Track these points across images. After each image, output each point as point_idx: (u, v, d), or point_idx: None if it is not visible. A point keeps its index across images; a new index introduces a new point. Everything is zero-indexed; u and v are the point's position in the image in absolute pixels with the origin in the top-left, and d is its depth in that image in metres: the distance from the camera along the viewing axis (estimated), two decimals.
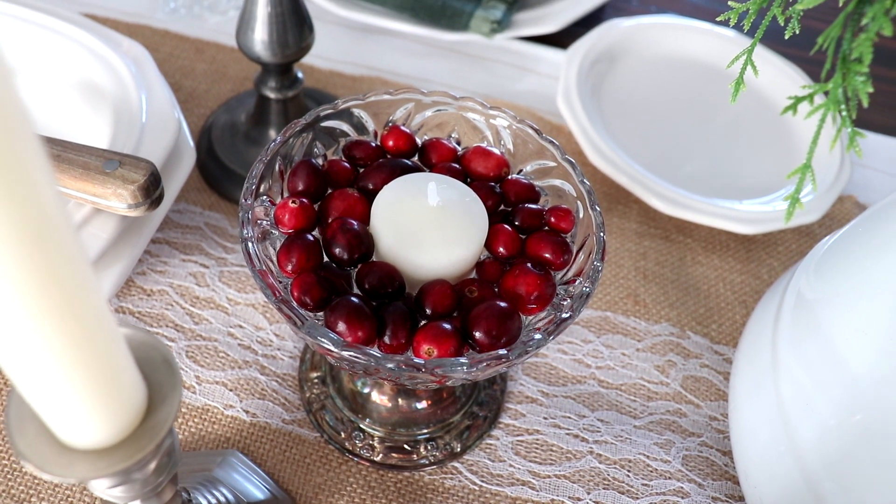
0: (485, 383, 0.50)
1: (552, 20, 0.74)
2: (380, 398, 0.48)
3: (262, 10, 0.52)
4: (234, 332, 0.51)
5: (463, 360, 0.33)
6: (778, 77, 0.70)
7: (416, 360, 0.32)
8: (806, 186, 0.62)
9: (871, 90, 0.29)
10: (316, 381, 0.49)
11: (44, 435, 0.26)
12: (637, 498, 0.47)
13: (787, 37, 0.34)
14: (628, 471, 0.48)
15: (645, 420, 0.51)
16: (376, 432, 0.47)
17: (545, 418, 0.50)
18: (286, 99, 0.58)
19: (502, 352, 0.33)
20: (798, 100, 0.32)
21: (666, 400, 0.52)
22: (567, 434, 0.49)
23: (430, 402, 0.48)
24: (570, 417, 0.50)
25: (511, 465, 0.48)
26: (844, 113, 0.30)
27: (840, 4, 0.32)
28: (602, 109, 0.67)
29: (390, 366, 0.32)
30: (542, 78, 0.72)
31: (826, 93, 0.32)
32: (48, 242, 0.18)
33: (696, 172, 0.64)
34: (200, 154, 0.61)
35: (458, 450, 0.47)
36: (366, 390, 0.48)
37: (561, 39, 0.76)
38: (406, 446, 0.47)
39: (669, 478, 0.48)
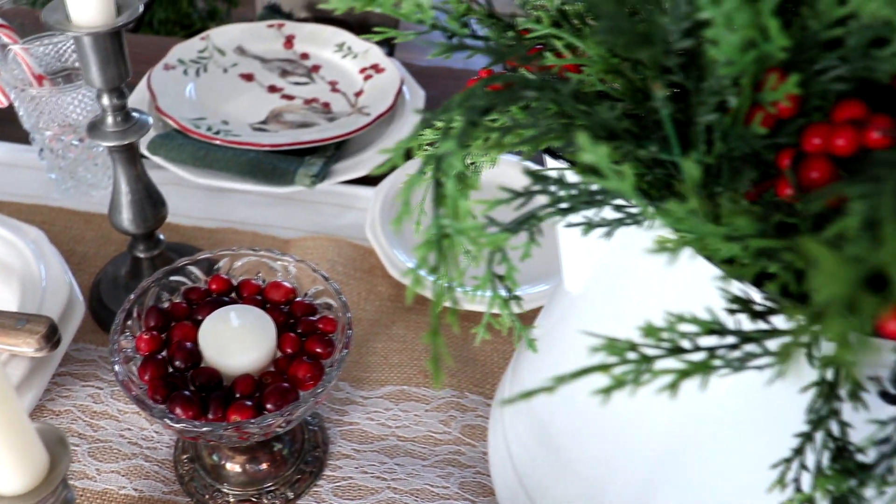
0: (309, 447, 0.69)
1: (364, 166, 0.96)
2: (231, 466, 0.66)
3: (125, 198, 0.72)
4: (125, 434, 0.70)
5: (253, 420, 0.52)
6: None
7: (221, 423, 0.52)
8: None
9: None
10: (186, 460, 0.67)
11: None
12: None
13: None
14: (416, 497, 0.67)
15: (431, 460, 0.70)
16: (231, 491, 0.66)
17: (356, 468, 0.69)
18: (153, 256, 0.78)
19: (276, 413, 0.52)
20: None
21: (448, 444, 0.71)
22: (371, 476, 0.68)
23: (268, 465, 0.66)
24: (374, 465, 0.69)
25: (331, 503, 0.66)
26: None
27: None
28: (403, 232, 0.88)
29: (205, 429, 0.51)
30: (359, 212, 0.94)
31: None
32: None
33: (478, 269, 0.85)
34: (92, 303, 0.80)
35: (292, 496, 0.66)
36: (221, 462, 0.66)
37: (379, 178, 0.98)
38: (253, 498, 0.65)
39: (448, 498, 0.67)
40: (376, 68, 1.10)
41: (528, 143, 0.28)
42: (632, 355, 0.27)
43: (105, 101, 0.66)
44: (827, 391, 0.36)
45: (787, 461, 0.38)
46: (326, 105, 1.06)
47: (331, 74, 1.12)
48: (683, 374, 0.28)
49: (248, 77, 1.10)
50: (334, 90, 1.09)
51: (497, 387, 0.76)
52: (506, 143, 0.28)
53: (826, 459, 0.37)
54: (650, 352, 0.28)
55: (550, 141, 0.28)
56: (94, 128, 0.68)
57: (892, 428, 0.36)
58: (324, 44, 1.16)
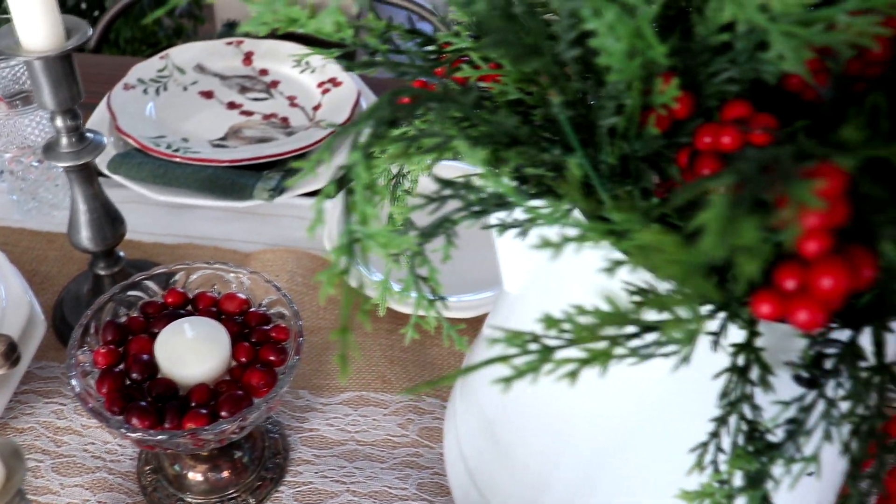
0: (270, 454, 0.70)
1: (321, 178, 0.97)
2: (193, 475, 0.68)
3: (83, 216, 0.74)
4: (88, 448, 0.71)
5: (207, 427, 0.54)
6: None
7: (174, 431, 0.53)
8: None
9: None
10: (149, 471, 0.69)
11: None
12: None
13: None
14: (375, 499, 0.69)
15: (390, 463, 0.72)
16: (194, 500, 0.67)
17: (316, 472, 0.70)
18: (114, 273, 0.80)
19: (229, 419, 0.54)
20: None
21: (406, 447, 0.73)
22: (331, 481, 0.70)
23: (229, 472, 0.68)
24: (334, 469, 0.71)
25: None
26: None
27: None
28: None
29: (161, 437, 0.53)
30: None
31: None
32: None
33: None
34: (55, 321, 0.81)
35: (254, 503, 0.67)
36: (183, 471, 0.68)
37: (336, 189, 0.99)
38: None
39: (406, 499, 0.69)
40: (334, 82, 1.12)
41: (433, 152, 0.30)
42: (533, 346, 0.29)
43: (59, 122, 0.67)
44: (738, 376, 0.39)
45: (704, 445, 0.40)
46: (285, 120, 1.08)
47: (289, 89, 1.14)
48: (584, 363, 0.30)
49: (208, 94, 1.12)
50: (293, 105, 1.11)
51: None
52: (412, 152, 0.30)
53: (741, 441, 0.39)
54: (551, 342, 0.30)
55: (453, 149, 0.30)
56: (50, 149, 0.69)
57: (796, 408, 0.38)
58: (282, 59, 1.18)
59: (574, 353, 0.31)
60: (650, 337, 0.35)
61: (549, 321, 0.30)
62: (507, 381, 0.28)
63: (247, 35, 1.50)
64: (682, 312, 0.33)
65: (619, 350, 0.32)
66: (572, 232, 0.28)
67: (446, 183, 0.32)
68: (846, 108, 0.34)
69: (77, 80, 0.65)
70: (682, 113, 0.34)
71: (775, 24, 0.30)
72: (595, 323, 0.30)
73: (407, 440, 0.74)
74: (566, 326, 0.30)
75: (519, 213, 0.35)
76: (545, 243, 0.26)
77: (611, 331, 0.32)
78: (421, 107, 0.30)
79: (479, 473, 0.59)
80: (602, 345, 0.31)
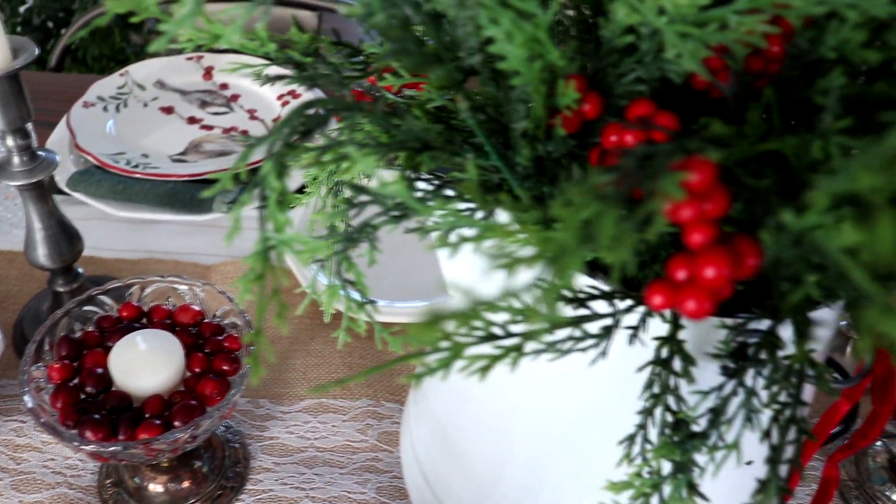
0: (230, 464, 0.71)
1: None
2: (154, 487, 0.68)
3: (38, 234, 0.74)
4: (48, 464, 0.71)
5: (159, 437, 0.54)
6: None
7: (127, 442, 0.54)
8: None
9: None
10: (109, 485, 0.69)
11: None
12: None
13: None
14: None
15: (349, 468, 0.73)
16: None
17: (276, 480, 0.71)
18: (73, 290, 0.80)
19: (181, 428, 0.55)
20: None
21: (366, 452, 0.74)
22: (291, 487, 0.71)
23: (190, 482, 0.69)
24: (294, 476, 0.72)
25: None
26: None
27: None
28: None
29: (113, 448, 0.54)
30: None
31: None
32: None
33: (389, 285, 0.88)
34: (16, 340, 0.82)
35: None
36: (143, 484, 0.68)
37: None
38: None
39: (365, 503, 0.70)
40: (293, 94, 1.13)
41: (340, 161, 0.31)
42: (444, 344, 0.30)
43: (10, 142, 0.68)
44: (662, 368, 0.40)
45: (632, 437, 0.41)
46: (245, 133, 1.09)
47: (249, 103, 1.15)
48: (495, 359, 0.31)
49: (168, 110, 1.13)
50: (253, 118, 1.12)
51: None
52: (325, 160, 0.31)
53: (668, 432, 0.40)
54: (463, 339, 0.31)
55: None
56: (2, 168, 0.70)
57: (715, 398, 0.39)
58: (242, 73, 1.19)
59: (486, 349, 0.32)
60: (562, 333, 0.36)
61: (460, 318, 0.31)
62: (418, 377, 0.29)
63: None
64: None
65: (532, 346, 0.33)
66: (471, 232, 0.29)
67: (360, 189, 0.33)
68: (748, 104, 0.36)
69: (26, 99, 0.66)
70: (592, 113, 0.35)
71: (671, 26, 0.32)
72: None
73: (366, 445, 0.75)
74: (477, 323, 0.31)
75: (437, 217, 0.36)
76: (443, 243, 0.28)
77: (532, 326, 0.33)
78: (331, 117, 0.31)
79: (433, 476, 0.60)
80: (513, 341, 0.32)
